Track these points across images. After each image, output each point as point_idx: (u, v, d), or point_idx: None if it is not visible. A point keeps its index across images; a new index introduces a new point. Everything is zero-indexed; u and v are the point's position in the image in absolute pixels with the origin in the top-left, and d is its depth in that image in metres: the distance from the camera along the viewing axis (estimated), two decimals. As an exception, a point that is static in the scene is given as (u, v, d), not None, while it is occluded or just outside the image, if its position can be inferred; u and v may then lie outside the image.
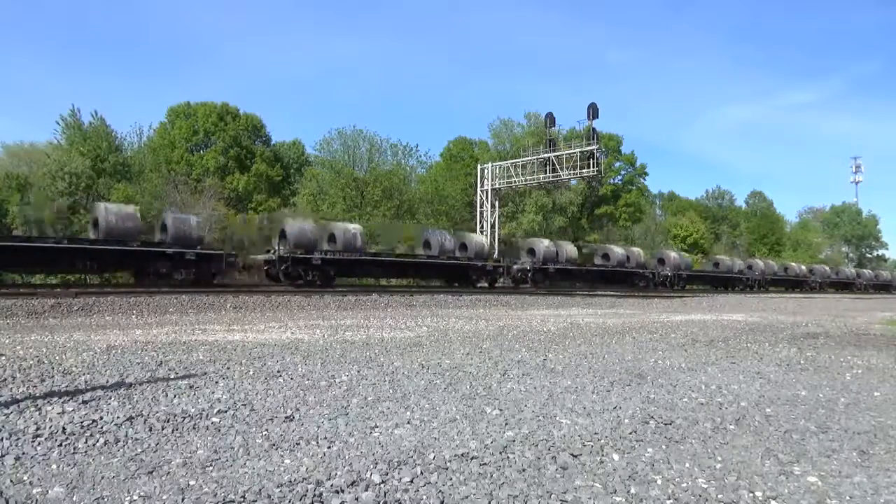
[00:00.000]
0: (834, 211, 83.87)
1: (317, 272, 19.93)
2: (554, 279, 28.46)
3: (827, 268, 51.53)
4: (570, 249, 30.58)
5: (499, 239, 35.46)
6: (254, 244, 22.99)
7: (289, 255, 19.21)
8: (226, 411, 3.81)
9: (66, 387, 4.40)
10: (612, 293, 26.03)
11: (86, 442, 3.12)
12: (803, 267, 48.69)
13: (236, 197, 40.65)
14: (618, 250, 33.28)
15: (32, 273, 20.42)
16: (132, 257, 17.44)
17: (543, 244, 29.17)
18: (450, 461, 2.92)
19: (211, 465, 2.82)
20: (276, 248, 19.65)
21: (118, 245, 16.91)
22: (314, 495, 2.46)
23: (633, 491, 2.61)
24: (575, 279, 30.13)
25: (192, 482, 2.59)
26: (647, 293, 29.27)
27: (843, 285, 50.37)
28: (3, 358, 5.67)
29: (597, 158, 31.89)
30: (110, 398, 4.07)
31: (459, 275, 25.03)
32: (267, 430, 3.42)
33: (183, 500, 2.40)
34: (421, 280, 26.25)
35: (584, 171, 32.73)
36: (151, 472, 2.70)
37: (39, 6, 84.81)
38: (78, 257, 16.70)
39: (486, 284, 25.39)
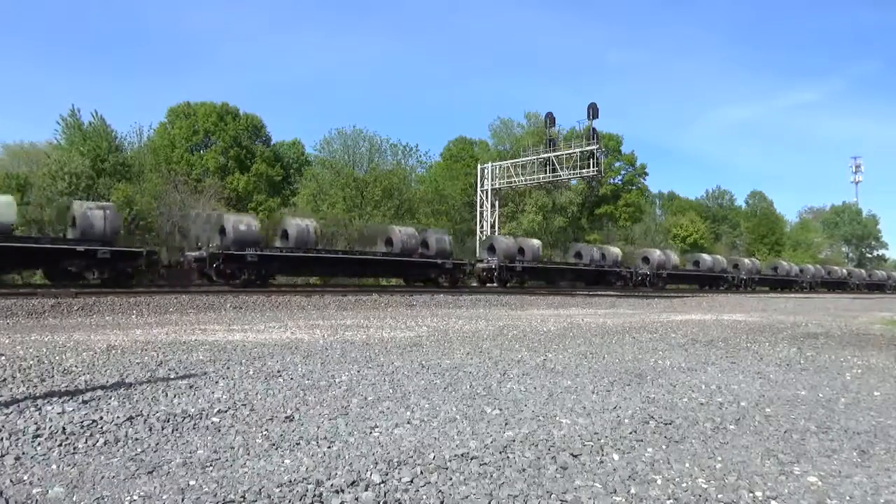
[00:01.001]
0: (834, 211, 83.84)
1: (517, 276, 27.03)
2: (665, 281, 34.56)
3: (864, 272, 54.58)
4: (674, 256, 37.16)
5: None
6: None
7: (503, 264, 26.13)
8: (226, 411, 3.81)
9: (66, 387, 4.40)
10: (612, 293, 26.17)
11: (86, 442, 3.12)
12: (844, 270, 51.85)
13: (236, 197, 40.66)
14: (707, 258, 39.93)
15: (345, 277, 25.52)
16: (415, 266, 23.71)
17: (656, 253, 35.52)
18: (450, 461, 2.93)
19: (211, 464, 2.82)
20: (488, 258, 26.56)
21: (408, 257, 23.23)
22: (314, 495, 2.46)
23: (633, 491, 2.61)
24: (678, 281, 36.17)
25: (192, 482, 2.59)
26: (647, 293, 29.43)
27: (877, 286, 53.08)
28: (3, 358, 5.67)
29: (597, 158, 31.92)
30: (110, 398, 4.07)
31: (601, 278, 31.16)
32: (267, 429, 3.43)
33: (183, 500, 2.41)
34: (575, 282, 31.84)
35: (584, 171, 32.75)
36: (151, 472, 2.71)
37: (39, 6, 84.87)
38: (386, 266, 23.41)
39: (620, 285, 31.11)
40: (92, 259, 16.61)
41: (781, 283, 44.09)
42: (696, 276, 38.39)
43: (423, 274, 24.08)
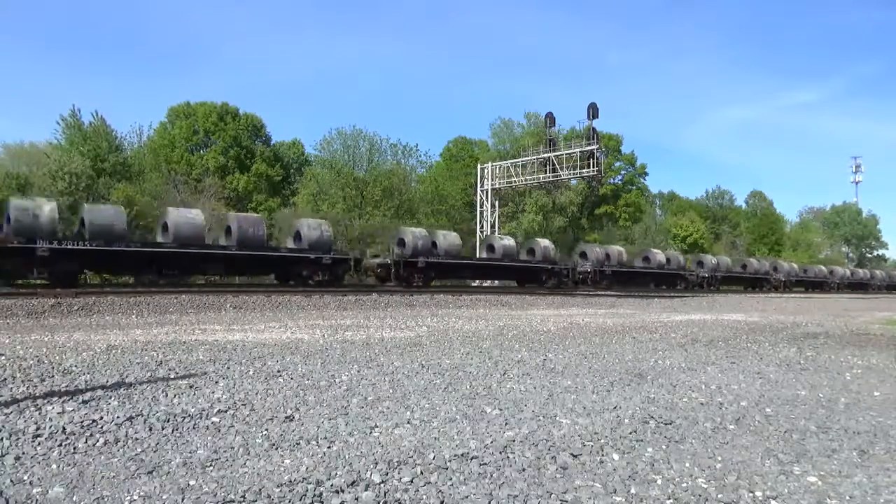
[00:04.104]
0: (834, 211, 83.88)
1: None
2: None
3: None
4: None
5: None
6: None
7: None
8: (226, 411, 3.81)
9: (66, 387, 4.40)
10: (612, 293, 26.14)
11: (86, 442, 3.12)
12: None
13: (236, 197, 40.70)
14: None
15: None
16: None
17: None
18: (450, 461, 2.92)
19: (211, 464, 2.82)
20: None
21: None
22: (314, 495, 2.46)
23: (633, 491, 2.61)
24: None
25: (192, 482, 2.59)
26: (649, 293, 29.41)
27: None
28: (3, 358, 5.67)
29: (597, 158, 31.94)
30: (110, 398, 4.07)
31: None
32: (267, 429, 3.43)
33: (183, 500, 2.41)
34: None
35: (584, 170, 32.78)
36: (151, 472, 2.71)
37: (40, 6, 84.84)
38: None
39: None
40: None
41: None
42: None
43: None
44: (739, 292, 37.45)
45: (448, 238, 25.71)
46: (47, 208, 16.03)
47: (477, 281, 31.17)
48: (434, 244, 24.94)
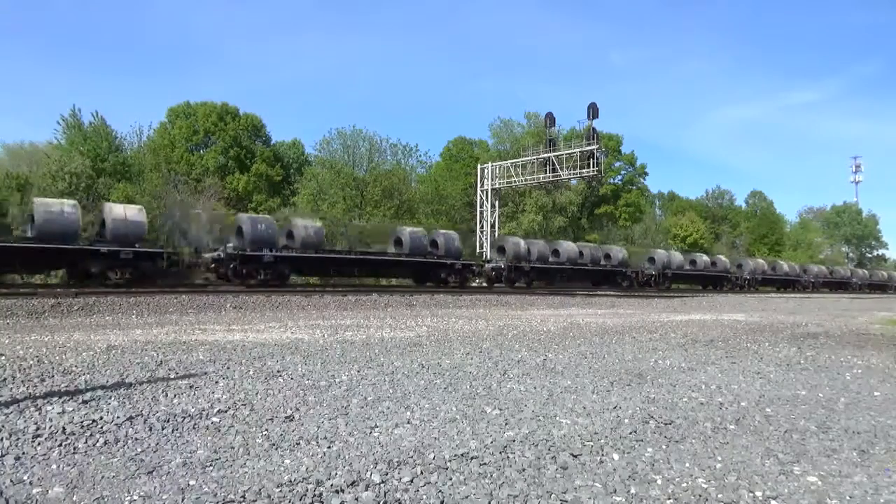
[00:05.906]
0: (834, 211, 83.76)
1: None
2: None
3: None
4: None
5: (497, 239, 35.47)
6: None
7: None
8: (226, 411, 3.81)
9: (66, 387, 4.40)
10: (613, 293, 26.16)
11: (86, 442, 3.12)
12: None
13: (236, 197, 40.68)
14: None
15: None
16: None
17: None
18: (450, 461, 2.92)
19: (211, 465, 2.82)
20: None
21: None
22: (314, 495, 2.46)
23: (633, 491, 2.61)
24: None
25: (192, 482, 2.59)
26: (647, 294, 29.44)
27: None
28: (3, 358, 5.67)
29: (597, 158, 31.91)
30: (110, 398, 4.07)
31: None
32: (267, 429, 3.42)
33: (183, 500, 2.41)
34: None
35: (584, 170, 32.76)
36: (151, 472, 2.71)
37: (40, 6, 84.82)
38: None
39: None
40: None
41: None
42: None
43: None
44: (736, 293, 37.46)
45: (626, 251, 32.42)
46: (455, 238, 24.64)
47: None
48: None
